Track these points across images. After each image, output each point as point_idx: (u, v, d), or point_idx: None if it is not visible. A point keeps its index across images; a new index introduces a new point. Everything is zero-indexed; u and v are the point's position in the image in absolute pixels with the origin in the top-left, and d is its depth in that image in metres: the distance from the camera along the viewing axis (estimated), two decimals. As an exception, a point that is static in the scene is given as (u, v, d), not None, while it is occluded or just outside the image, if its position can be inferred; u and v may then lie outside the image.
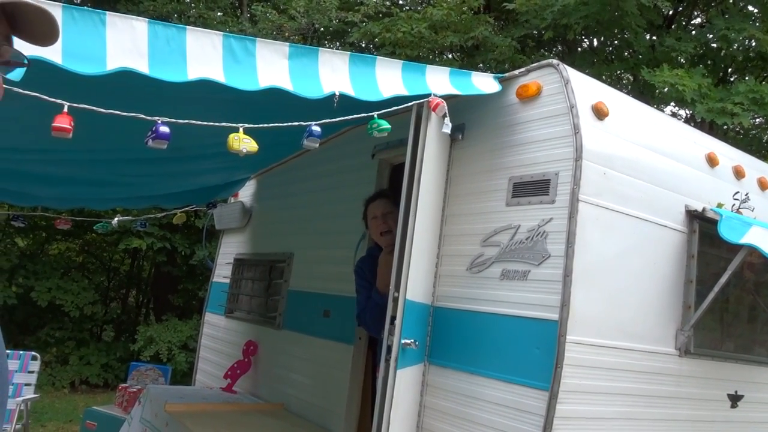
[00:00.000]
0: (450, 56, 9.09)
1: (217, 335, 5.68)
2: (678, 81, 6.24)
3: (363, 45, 10.46)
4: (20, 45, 1.08)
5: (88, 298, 10.24)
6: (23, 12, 1.04)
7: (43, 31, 1.08)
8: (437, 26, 8.36)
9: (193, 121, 2.36)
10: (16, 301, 9.54)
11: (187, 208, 6.44)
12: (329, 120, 2.58)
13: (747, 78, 6.85)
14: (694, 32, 8.44)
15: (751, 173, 3.51)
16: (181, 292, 11.02)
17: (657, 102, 8.13)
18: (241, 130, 2.40)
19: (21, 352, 5.88)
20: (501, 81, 2.99)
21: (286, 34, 9.29)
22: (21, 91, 1.98)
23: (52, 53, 1.95)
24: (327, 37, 11.03)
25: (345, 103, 2.54)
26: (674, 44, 7.32)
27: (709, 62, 8.16)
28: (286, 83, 2.44)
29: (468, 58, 9.12)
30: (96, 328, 11.45)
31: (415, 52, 8.41)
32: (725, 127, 8.15)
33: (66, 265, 11.05)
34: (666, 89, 6.53)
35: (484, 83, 2.96)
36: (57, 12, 2.05)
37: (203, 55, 2.30)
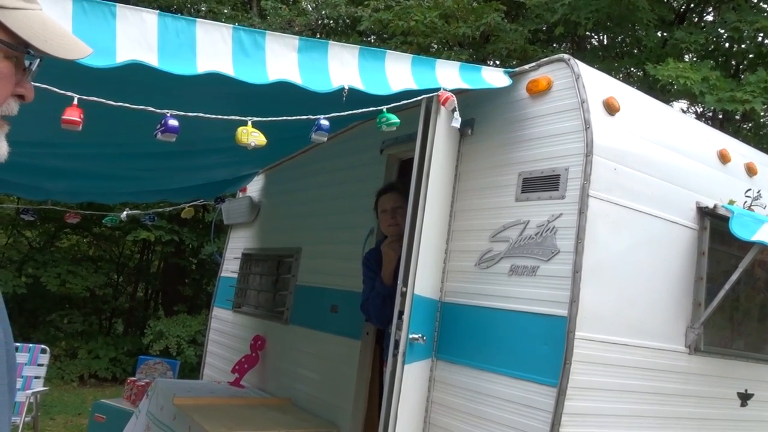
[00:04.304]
0: (461, 48, 9.02)
1: (225, 330, 5.69)
2: (681, 74, 6.18)
3: (372, 39, 10.44)
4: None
5: (99, 281, 10.31)
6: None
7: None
8: (448, 14, 8.31)
9: (202, 114, 2.36)
10: (26, 290, 9.60)
11: (195, 203, 6.46)
12: (338, 114, 2.57)
13: (758, 71, 6.76)
14: (705, 28, 8.38)
15: (764, 170, 3.48)
16: (190, 284, 11.10)
17: (667, 97, 8.08)
18: (249, 123, 2.40)
19: (31, 345, 5.91)
20: (511, 75, 2.98)
21: (296, 28, 9.28)
22: (31, 83, 1.98)
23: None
24: (336, 31, 11.02)
25: (354, 97, 2.53)
26: (684, 37, 7.26)
27: (720, 58, 8.09)
28: (295, 77, 2.44)
29: (479, 49, 9.06)
30: (105, 321, 11.53)
31: (427, 41, 8.37)
32: (736, 116, 8.08)
33: (76, 256, 11.14)
34: (671, 82, 6.46)
35: (494, 78, 2.94)
36: (67, 4, 2.05)
37: (213, 48, 2.30)
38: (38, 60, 1.03)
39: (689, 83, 6.13)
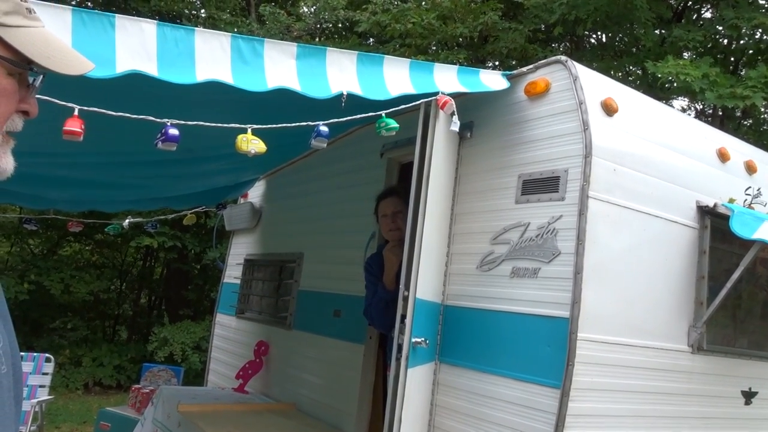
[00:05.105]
0: (459, 48, 9.02)
1: (229, 336, 5.70)
2: (681, 70, 6.18)
3: (371, 42, 10.45)
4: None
5: (102, 286, 10.35)
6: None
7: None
8: (446, 16, 8.33)
9: (202, 123, 2.37)
10: (27, 296, 9.62)
11: (197, 209, 6.47)
12: (337, 120, 2.58)
13: (758, 66, 6.74)
14: (703, 25, 8.38)
15: (763, 168, 3.48)
16: (193, 289, 11.12)
17: (667, 95, 8.07)
18: (249, 131, 2.41)
19: (35, 354, 5.92)
20: (509, 78, 2.99)
21: (294, 33, 9.31)
22: (35, 99, 1.99)
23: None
24: (336, 34, 11.04)
25: (353, 102, 2.54)
26: (682, 34, 7.26)
27: (719, 55, 8.09)
28: (293, 83, 2.45)
29: (478, 49, 9.06)
30: (109, 328, 11.55)
31: (425, 42, 8.39)
32: (737, 113, 8.06)
33: (78, 263, 11.18)
34: (671, 79, 6.45)
35: (492, 80, 2.95)
36: (66, 16, 2.06)
37: (211, 57, 2.31)
38: (41, 76, 1.04)
39: (689, 80, 6.13)
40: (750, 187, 3.27)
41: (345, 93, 2.51)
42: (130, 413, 5.68)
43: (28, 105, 1.05)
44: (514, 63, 8.69)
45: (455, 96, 2.83)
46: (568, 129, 2.68)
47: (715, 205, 2.99)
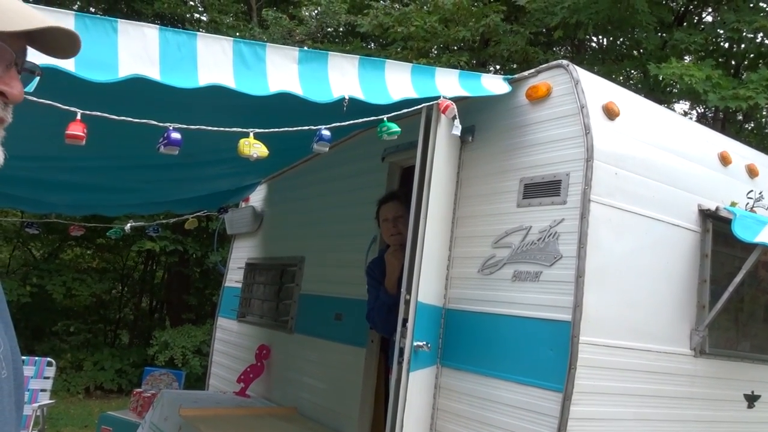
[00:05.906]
0: (461, 51, 9.03)
1: (230, 340, 5.70)
2: (685, 72, 6.18)
3: (373, 46, 10.47)
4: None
5: (103, 290, 10.37)
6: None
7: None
8: (448, 19, 8.35)
9: (204, 127, 2.37)
10: (30, 299, 9.61)
11: (198, 214, 6.47)
12: (339, 124, 2.59)
13: (760, 69, 6.74)
14: (704, 28, 8.39)
15: (765, 171, 3.48)
16: (194, 293, 11.13)
17: (669, 99, 8.07)
18: (251, 135, 2.41)
19: (36, 358, 5.92)
20: (510, 82, 2.99)
21: (297, 38, 9.32)
22: (35, 99, 2.00)
23: (65, 61, 1.97)
24: (336, 40, 11.07)
25: (354, 106, 2.54)
26: (684, 37, 7.27)
27: (720, 59, 8.10)
28: (295, 88, 2.45)
29: (479, 51, 9.07)
30: (110, 332, 11.55)
31: (428, 45, 8.41)
32: (738, 116, 8.06)
33: (80, 267, 11.19)
34: (673, 81, 6.46)
35: (493, 85, 2.95)
36: (69, 20, 2.07)
37: (214, 61, 2.32)
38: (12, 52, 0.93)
39: (693, 81, 6.13)
40: (752, 191, 3.27)
41: (347, 97, 2.51)
42: (132, 417, 5.67)
43: (4, 84, 0.94)
44: (515, 66, 8.70)
45: (457, 100, 2.83)
46: (569, 133, 2.68)
47: (716, 209, 2.99)
